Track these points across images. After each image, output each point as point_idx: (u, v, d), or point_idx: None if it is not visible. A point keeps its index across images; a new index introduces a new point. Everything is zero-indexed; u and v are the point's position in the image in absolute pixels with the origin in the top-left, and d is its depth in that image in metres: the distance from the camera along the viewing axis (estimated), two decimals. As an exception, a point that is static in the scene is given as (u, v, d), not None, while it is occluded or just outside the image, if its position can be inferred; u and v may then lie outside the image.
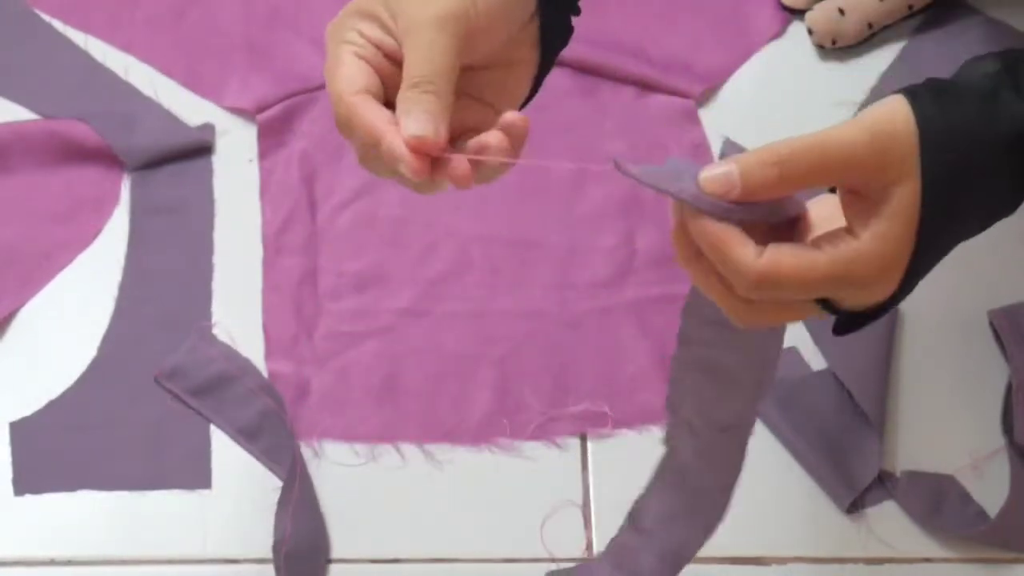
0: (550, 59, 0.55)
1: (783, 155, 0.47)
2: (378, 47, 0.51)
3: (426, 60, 0.49)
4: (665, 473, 0.69)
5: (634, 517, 0.71)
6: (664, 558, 0.69)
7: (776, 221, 0.50)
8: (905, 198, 0.47)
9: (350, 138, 0.51)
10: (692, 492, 0.68)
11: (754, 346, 0.59)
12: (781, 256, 0.47)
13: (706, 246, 0.48)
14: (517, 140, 0.49)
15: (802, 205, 0.50)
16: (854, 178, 0.48)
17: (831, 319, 0.52)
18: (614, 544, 0.72)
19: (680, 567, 0.69)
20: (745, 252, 0.48)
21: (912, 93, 0.49)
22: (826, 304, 0.50)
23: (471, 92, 0.52)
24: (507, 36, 0.52)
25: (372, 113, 0.49)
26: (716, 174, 0.47)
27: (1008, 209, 0.51)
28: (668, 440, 0.68)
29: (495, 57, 0.52)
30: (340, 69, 0.50)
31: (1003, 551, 0.81)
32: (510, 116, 0.49)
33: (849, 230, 0.48)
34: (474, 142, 0.49)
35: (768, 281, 0.48)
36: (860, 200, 0.48)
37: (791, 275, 0.47)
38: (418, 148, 0.47)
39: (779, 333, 0.59)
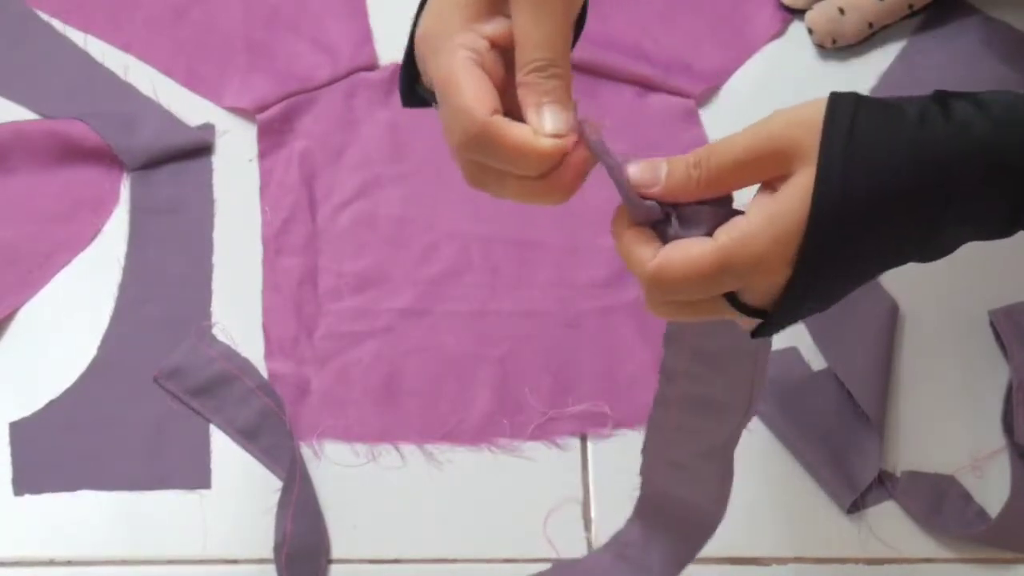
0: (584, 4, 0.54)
1: (701, 156, 0.48)
2: (492, 42, 0.49)
3: (545, 35, 0.48)
4: (644, 506, 0.69)
5: (618, 542, 0.71)
6: None
7: (712, 217, 0.49)
8: (799, 182, 0.47)
9: (479, 157, 0.49)
10: (676, 520, 0.67)
11: (741, 369, 0.58)
12: (673, 253, 0.48)
13: (617, 247, 0.50)
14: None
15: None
16: (768, 173, 0.48)
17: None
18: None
19: None
20: (642, 252, 0.48)
21: (837, 94, 0.48)
22: (734, 301, 0.49)
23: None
24: None
25: (515, 131, 0.47)
26: (644, 167, 0.48)
27: (931, 242, 0.49)
28: (644, 474, 0.67)
29: None
30: (464, 84, 0.48)
31: (1004, 551, 0.81)
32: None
33: (746, 213, 0.48)
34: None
35: (662, 280, 0.48)
36: (769, 190, 0.49)
37: (681, 272, 0.48)
38: (560, 148, 0.47)
39: (765, 351, 0.58)
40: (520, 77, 0.48)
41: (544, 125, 0.47)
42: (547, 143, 0.47)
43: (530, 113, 0.48)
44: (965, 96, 0.48)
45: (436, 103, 0.51)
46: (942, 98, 0.48)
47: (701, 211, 0.49)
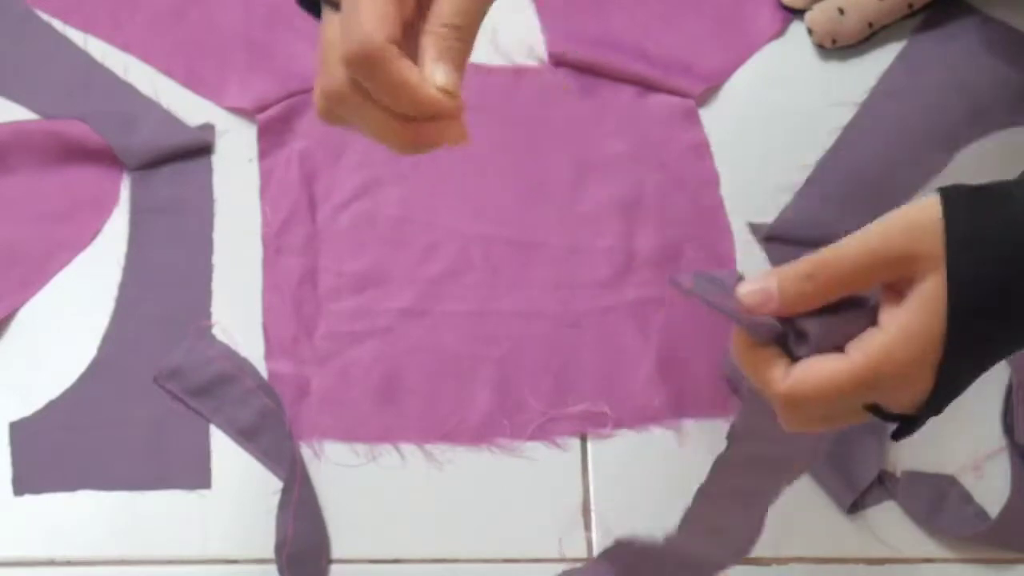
0: None
1: (815, 266, 0.48)
2: None
3: (465, 5, 0.48)
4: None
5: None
6: None
7: (841, 329, 0.49)
8: (930, 290, 0.47)
9: (362, 77, 0.49)
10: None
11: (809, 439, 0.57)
12: (805, 374, 0.48)
13: (743, 367, 0.49)
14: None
15: (867, 301, 0.49)
16: (886, 278, 0.48)
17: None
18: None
19: None
20: (772, 374, 0.48)
21: (948, 191, 0.48)
22: (875, 409, 0.49)
23: None
24: None
25: (407, 66, 0.48)
26: (754, 289, 0.48)
27: None
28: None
29: None
30: (372, 4, 0.48)
31: (1004, 551, 0.81)
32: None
33: (879, 326, 0.48)
34: None
35: (795, 401, 0.48)
36: (895, 296, 0.48)
37: (816, 392, 0.47)
38: (444, 102, 0.47)
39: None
40: (430, 27, 0.49)
41: (436, 77, 0.48)
42: (435, 92, 0.48)
43: (426, 60, 0.48)
44: None
45: (331, 8, 0.51)
46: None
47: (824, 324, 0.48)
